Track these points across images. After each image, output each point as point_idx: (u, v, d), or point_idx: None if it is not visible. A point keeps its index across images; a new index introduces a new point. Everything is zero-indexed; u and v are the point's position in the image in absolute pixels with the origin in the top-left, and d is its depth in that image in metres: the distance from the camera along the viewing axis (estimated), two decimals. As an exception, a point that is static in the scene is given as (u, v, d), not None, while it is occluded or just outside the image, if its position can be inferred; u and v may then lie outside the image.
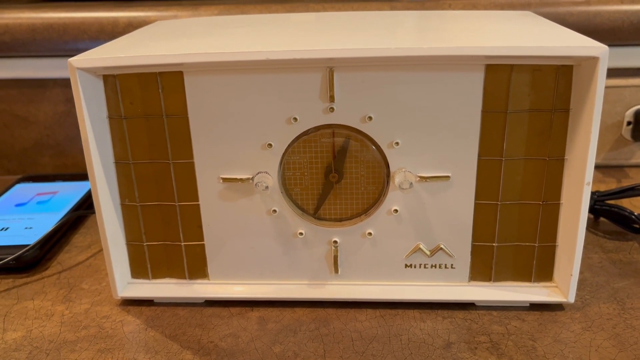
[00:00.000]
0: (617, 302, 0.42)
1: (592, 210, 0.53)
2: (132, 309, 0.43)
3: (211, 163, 0.41)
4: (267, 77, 0.38)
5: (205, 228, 0.43)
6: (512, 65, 0.37)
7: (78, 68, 0.37)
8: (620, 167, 0.66)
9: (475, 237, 0.41)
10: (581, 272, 0.46)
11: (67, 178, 0.65)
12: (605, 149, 0.66)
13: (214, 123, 0.40)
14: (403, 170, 0.40)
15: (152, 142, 0.41)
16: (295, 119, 0.39)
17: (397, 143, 0.39)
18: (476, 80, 0.37)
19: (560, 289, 0.42)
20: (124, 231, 0.43)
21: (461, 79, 0.37)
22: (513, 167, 0.40)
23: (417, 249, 0.42)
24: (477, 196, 0.40)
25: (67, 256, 0.51)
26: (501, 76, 0.37)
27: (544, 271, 0.42)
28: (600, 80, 0.35)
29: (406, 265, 0.43)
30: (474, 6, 0.64)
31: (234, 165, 0.41)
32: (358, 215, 0.42)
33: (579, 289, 0.44)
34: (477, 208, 0.41)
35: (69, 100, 0.68)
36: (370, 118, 0.39)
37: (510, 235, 0.41)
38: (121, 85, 0.39)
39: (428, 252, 0.42)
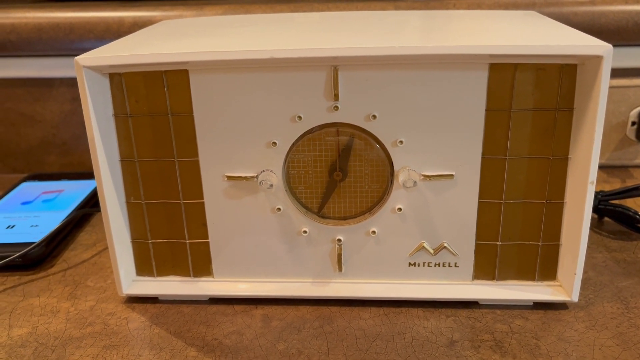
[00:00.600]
0: (621, 301, 0.42)
1: (596, 210, 0.53)
2: (137, 306, 0.44)
3: (216, 161, 0.41)
4: (272, 76, 0.38)
5: (210, 226, 0.43)
6: (516, 64, 0.37)
7: (84, 66, 0.38)
8: (625, 167, 0.66)
9: (479, 235, 0.42)
10: (585, 272, 0.46)
11: (73, 177, 0.65)
12: (610, 149, 0.66)
13: (219, 121, 0.40)
14: (407, 168, 0.40)
15: (158, 140, 0.41)
16: (299, 117, 0.39)
17: (401, 142, 0.39)
18: (480, 79, 0.38)
19: (564, 287, 0.42)
20: (129, 229, 0.43)
21: (465, 78, 0.38)
22: (517, 166, 0.40)
23: (421, 248, 0.42)
24: (481, 195, 0.40)
25: (73, 254, 0.52)
26: (505, 75, 0.37)
27: (547, 270, 0.42)
28: (605, 79, 0.35)
29: (410, 264, 0.43)
30: (479, 6, 0.64)
31: (239, 164, 0.41)
32: (362, 213, 0.42)
33: (582, 288, 0.44)
34: (481, 207, 0.41)
35: (75, 99, 0.68)
36: (374, 117, 0.39)
37: (514, 234, 0.41)
38: (127, 84, 0.40)
39: (432, 251, 0.42)
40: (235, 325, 0.41)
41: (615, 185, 0.62)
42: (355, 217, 0.42)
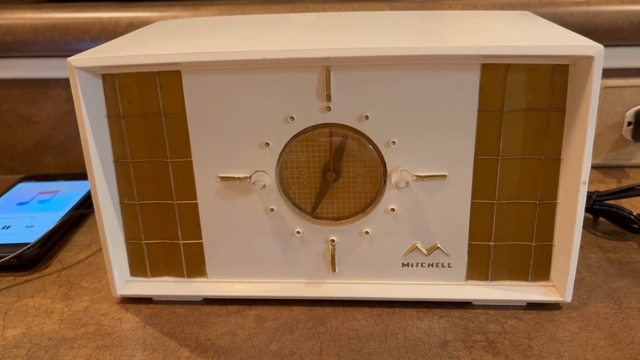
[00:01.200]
0: (614, 301, 0.42)
1: (591, 210, 0.53)
2: (131, 306, 0.44)
3: (209, 162, 0.41)
4: (265, 77, 0.38)
5: (204, 226, 0.43)
6: (508, 65, 0.37)
7: (77, 67, 0.38)
8: (621, 168, 0.66)
9: (472, 236, 0.42)
10: (579, 272, 0.46)
11: (69, 177, 0.65)
12: (606, 149, 0.66)
13: (212, 122, 0.40)
14: (400, 169, 0.40)
15: (151, 141, 0.41)
16: (292, 117, 0.39)
17: (393, 142, 0.39)
18: (472, 80, 0.38)
19: (557, 288, 0.42)
20: (123, 229, 0.43)
21: (457, 79, 0.38)
22: (509, 166, 0.40)
23: (414, 248, 0.42)
24: (474, 195, 0.40)
25: (68, 254, 0.52)
26: (497, 75, 0.37)
27: (541, 270, 0.42)
28: (596, 80, 0.35)
29: (403, 264, 0.43)
30: (474, 6, 0.64)
31: (232, 164, 0.41)
32: (355, 214, 0.42)
33: (576, 288, 0.44)
34: (474, 207, 0.41)
35: (71, 100, 0.68)
36: (367, 117, 0.39)
37: (507, 234, 0.41)
38: (120, 85, 0.40)
39: (425, 251, 0.42)
40: (228, 325, 0.41)
41: (611, 185, 0.62)
42: (348, 218, 0.42)
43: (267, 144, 0.40)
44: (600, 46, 0.35)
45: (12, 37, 0.65)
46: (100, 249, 0.52)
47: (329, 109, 0.39)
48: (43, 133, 0.70)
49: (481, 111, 0.38)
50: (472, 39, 0.38)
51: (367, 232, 0.42)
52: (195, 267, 0.44)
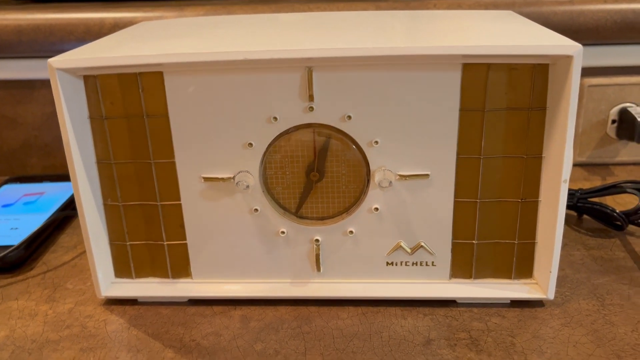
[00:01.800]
0: (597, 298, 0.43)
1: (575, 208, 0.53)
2: (116, 308, 0.44)
3: (192, 163, 0.41)
4: (247, 77, 0.38)
5: (188, 227, 0.43)
6: (489, 64, 0.37)
7: (58, 69, 0.38)
8: (605, 165, 0.67)
9: (455, 234, 0.42)
10: (562, 269, 0.46)
11: (55, 179, 0.65)
12: (591, 147, 0.66)
13: (195, 123, 0.40)
14: (383, 168, 0.40)
15: (134, 142, 0.41)
16: (275, 118, 0.39)
17: (376, 142, 0.40)
18: (454, 79, 0.38)
19: (540, 285, 0.42)
20: (106, 231, 0.43)
21: (439, 78, 0.38)
22: (491, 165, 0.40)
23: (398, 247, 0.42)
24: (457, 194, 0.41)
25: (53, 256, 0.51)
26: (478, 75, 0.38)
27: (524, 268, 0.42)
28: (575, 79, 0.36)
29: (387, 263, 0.43)
30: (459, 6, 0.64)
31: (215, 165, 0.41)
32: (339, 213, 0.42)
33: (559, 285, 0.44)
34: (457, 206, 0.41)
35: (57, 101, 0.68)
36: (349, 117, 0.39)
37: (490, 232, 0.42)
38: (102, 86, 0.39)
39: (409, 250, 0.42)
40: (213, 326, 0.41)
41: (596, 183, 0.62)
42: (332, 218, 0.42)
43: (251, 144, 0.40)
44: (579, 46, 0.35)
45: (-4, 38, 0.65)
46: (85, 251, 0.52)
47: (311, 109, 0.39)
48: (28, 134, 0.70)
49: (463, 110, 0.39)
50: (453, 38, 0.38)
51: (351, 232, 0.42)
52: (180, 267, 0.44)
